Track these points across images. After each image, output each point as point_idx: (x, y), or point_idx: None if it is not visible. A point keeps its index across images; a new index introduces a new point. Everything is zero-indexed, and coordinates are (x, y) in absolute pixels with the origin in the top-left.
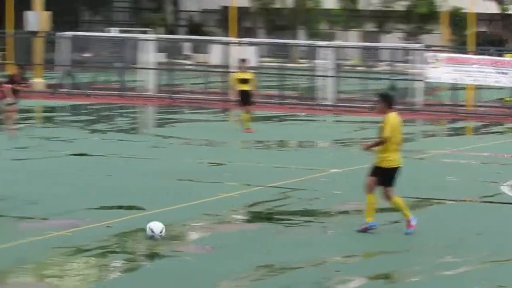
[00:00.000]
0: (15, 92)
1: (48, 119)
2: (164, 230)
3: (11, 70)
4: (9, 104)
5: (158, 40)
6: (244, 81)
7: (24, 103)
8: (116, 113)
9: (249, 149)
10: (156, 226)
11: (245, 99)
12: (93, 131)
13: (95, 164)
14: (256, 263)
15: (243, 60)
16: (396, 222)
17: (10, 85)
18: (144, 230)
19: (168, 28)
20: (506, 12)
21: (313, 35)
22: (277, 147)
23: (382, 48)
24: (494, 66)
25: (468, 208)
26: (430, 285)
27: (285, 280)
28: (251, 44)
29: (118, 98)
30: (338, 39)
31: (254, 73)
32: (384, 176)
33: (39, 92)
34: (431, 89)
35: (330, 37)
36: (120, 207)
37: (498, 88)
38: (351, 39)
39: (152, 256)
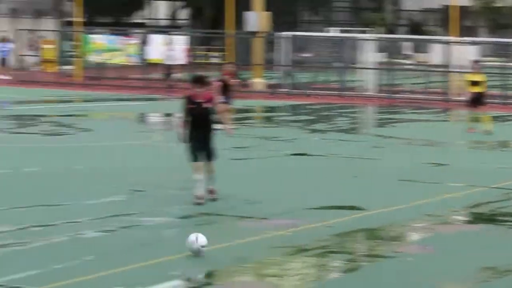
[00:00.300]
0: (226, 91)
1: (268, 119)
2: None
3: (227, 69)
4: (220, 103)
5: (377, 40)
6: (475, 83)
7: (244, 103)
8: (336, 113)
9: (472, 149)
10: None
11: (477, 101)
12: (313, 131)
13: (315, 164)
14: (479, 265)
15: (476, 62)
16: None
17: (220, 83)
18: (364, 230)
19: (388, 28)
20: None
21: None
22: (501, 147)
23: None
24: None
25: None
26: None
27: (510, 283)
28: (472, 43)
29: (338, 98)
30: None
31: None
32: None
33: (259, 92)
34: None
35: None
36: (340, 207)
37: None
38: None
39: (373, 256)
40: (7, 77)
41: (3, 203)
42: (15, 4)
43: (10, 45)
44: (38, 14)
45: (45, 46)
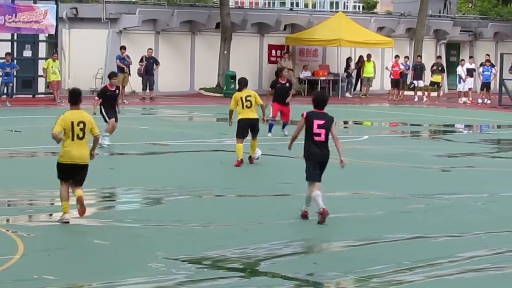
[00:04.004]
0: None
1: None
2: None
3: None
4: None
5: None
6: None
7: None
8: None
9: None
10: None
11: None
12: None
13: None
14: None
15: None
16: None
17: None
18: None
19: None
20: None
21: None
22: None
23: None
24: None
25: None
26: None
27: None
28: None
29: None
30: None
31: None
32: None
33: None
34: None
35: None
36: None
37: None
38: None
39: None
40: (489, 101)
41: (480, 228)
42: (499, 28)
43: (493, 69)
44: None
45: None
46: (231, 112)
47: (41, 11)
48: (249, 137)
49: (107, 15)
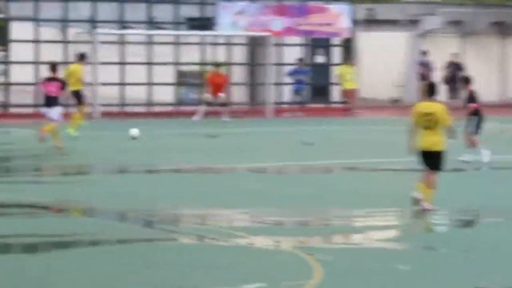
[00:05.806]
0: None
1: None
2: None
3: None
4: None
5: None
6: None
7: None
8: None
9: None
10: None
11: None
12: None
13: None
14: None
15: None
16: None
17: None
18: None
19: None
20: None
21: None
22: None
23: None
24: None
25: None
26: None
27: None
28: None
29: None
30: None
31: None
32: None
33: None
34: None
35: None
36: None
37: None
38: None
39: None
40: None
41: None
42: None
43: None
44: None
45: None
46: None
47: (334, 13)
48: None
49: (406, 17)
